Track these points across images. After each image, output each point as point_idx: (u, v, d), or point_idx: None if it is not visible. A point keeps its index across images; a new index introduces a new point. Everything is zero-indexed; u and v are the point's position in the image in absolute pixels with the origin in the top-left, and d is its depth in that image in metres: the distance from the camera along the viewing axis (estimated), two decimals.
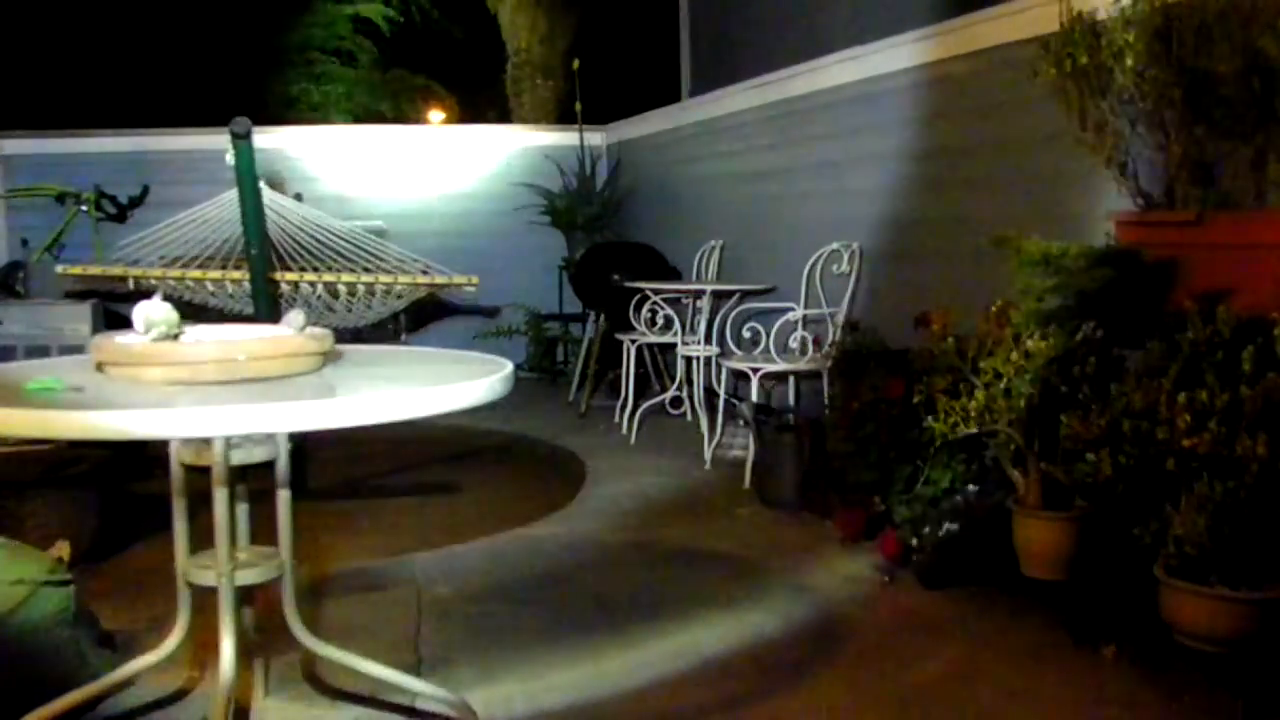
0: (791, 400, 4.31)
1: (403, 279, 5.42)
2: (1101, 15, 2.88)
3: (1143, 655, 2.41)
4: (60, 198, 6.32)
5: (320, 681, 2.36)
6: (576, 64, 6.95)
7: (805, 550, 3.37)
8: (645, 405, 5.09)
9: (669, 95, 7.19)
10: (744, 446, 4.21)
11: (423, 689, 2.26)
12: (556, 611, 2.87)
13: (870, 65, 4.29)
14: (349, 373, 2.05)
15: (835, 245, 4.34)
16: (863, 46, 4.34)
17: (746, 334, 4.34)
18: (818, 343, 4.23)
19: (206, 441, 2.02)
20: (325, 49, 13.46)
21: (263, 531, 2.21)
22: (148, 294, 3.74)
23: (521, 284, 7.15)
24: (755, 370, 4.17)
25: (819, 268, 4.41)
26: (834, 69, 4.55)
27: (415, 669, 2.45)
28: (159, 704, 2.26)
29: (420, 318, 6.64)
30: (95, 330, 4.88)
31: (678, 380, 5.12)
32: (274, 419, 1.65)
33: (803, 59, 4.83)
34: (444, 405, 1.77)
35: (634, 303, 5.09)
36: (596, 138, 7.28)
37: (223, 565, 2.03)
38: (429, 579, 3.10)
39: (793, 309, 4.31)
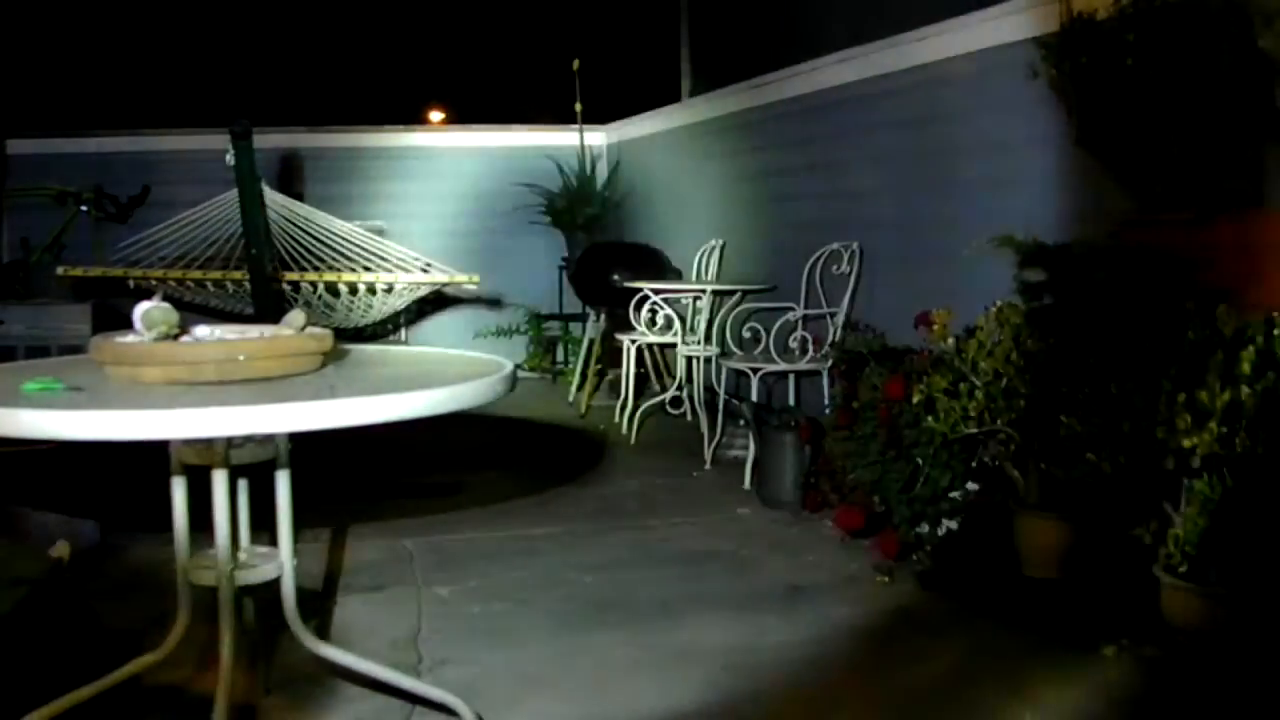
0: (791, 400, 4.31)
1: (403, 278, 5.43)
2: (1101, 15, 2.88)
3: (1143, 655, 2.41)
4: (60, 198, 6.33)
5: (320, 681, 2.36)
6: (576, 64, 6.95)
7: (805, 550, 3.37)
8: (645, 405, 5.09)
9: (669, 95, 7.19)
10: (744, 446, 4.21)
11: (423, 689, 2.26)
12: (556, 611, 2.87)
13: (870, 65, 4.29)
14: (349, 373, 2.05)
15: (835, 245, 4.34)
16: (862, 46, 4.34)
17: (746, 334, 4.34)
18: (818, 343, 4.23)
19: (207, 442, 2.02)
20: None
21: (263, 531, 2.21)
22: (148, 294, 3.75)
23: (521, 284, 7.16)
24: (755, 370, 4.17)
25: (819, 268, 4.41)
26: (834, 69, 4.55)
27: (415, 669, 2.46)
28: (159, 704, 2.26)
29: (421, 309, 6.65)
30: (95, 330, 4.89)
31: (678, 380, 5.12)
32: (274, 419, 1.65)
33: (803, 59, 4.83)
34: (444, 405, 1.77)
35: (634, 303, 5.09)
36: (596, 138, 7.28)
37: (223, 565, 2.03)
38: (429, 579, 3.10)
39: (793, 309, 4.31)
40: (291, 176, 6.60)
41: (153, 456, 2.09)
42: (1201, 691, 2.25)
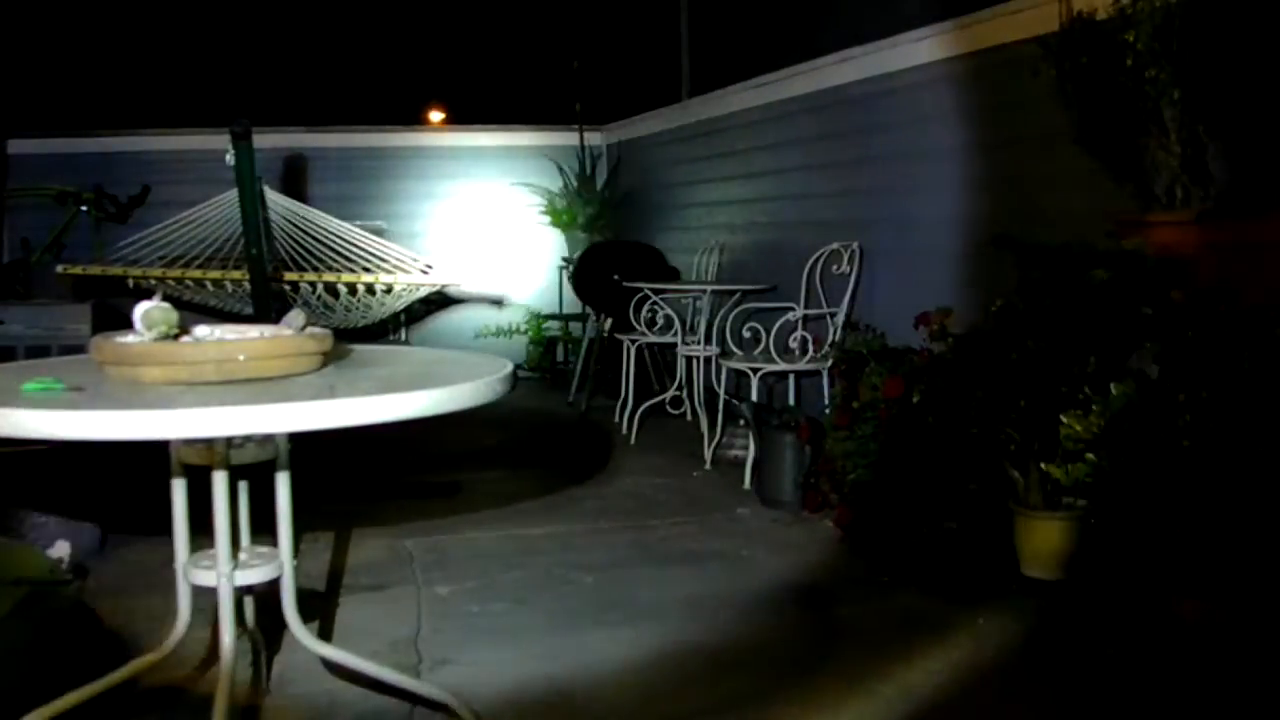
0: (792, 400, 4.31)
1: (403, 279, 5.42)
2: (1101, 15, 2.88)
3: (1144, 655, 2.41)
4: (60, 198, 6.33)
5: (320, 682, 2.36)
6: (576, 64, 6.95)
7: (805, 550, 3.37)
8: (645, 405, 5.09)
9: (669, 95, 7.18)
10: (744, 446, 4.21)
11: (423, 689, 2.26)
12: (556, 611, 2.87)
13: (870, 65, 4.29)
14: (349, 373, 2.05)
15: (835, 245, 4.34)
16: (862, 46, 4.34)
17: (746, 334, 4.34)
18: (818, 343, 4.23)
19: (208, 442, 2.02)
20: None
21: (263, 531, 2.21)
22: (148, 294, 3.74)
23: (521, 284, 7.16)
24: (755, 370, 4.17)
25: (819, 268, 4.41)
26: (834, 69, 4.55)
27: (415, 669, 2.46)
28: (159, 704, 2.26)
29: (422, 309, 6.65)
30: (95, 330, 4.88)
31: (678, 380, 5.12)
32: (274, 419, 1.65)
33: (804, 58, 4.83)
34: (444, 405, 1.77)
35: (634, 303, 5.09)
36: (596, 138, 7.28)
37: (223, 565, 2.03)
38: (429, 579, 3.10)
39: (793, 309, 4.31)
40: (292, 176, 6.60)
41: (153, 456, 2.09)
42: (1207, 691, 2.25)
